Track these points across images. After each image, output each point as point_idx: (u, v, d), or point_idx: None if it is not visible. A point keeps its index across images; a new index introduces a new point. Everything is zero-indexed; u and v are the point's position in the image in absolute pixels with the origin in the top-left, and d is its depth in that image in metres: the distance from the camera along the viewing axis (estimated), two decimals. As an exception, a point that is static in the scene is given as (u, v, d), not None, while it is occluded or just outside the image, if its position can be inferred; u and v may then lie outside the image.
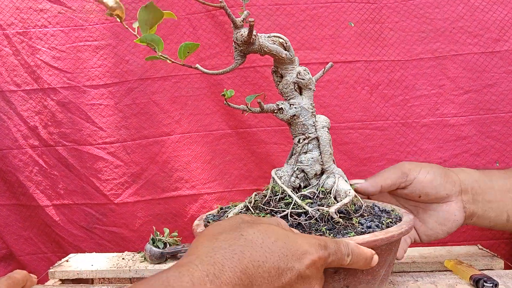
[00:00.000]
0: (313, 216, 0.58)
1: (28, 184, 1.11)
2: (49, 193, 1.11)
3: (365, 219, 0.61)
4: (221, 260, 0.44)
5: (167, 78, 1.08)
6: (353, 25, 1.05)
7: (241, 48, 0.65)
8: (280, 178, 0.67)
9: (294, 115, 0.67)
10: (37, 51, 1.08)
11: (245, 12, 0.61)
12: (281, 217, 0.60)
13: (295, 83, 0.67)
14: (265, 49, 0.64)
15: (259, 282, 0.44)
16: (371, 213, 0.64)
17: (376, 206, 0.68)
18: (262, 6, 1.06)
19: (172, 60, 0.61)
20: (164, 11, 0.58)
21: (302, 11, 1.06)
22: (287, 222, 0.57)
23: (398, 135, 1.05)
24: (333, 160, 0.68)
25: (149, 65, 1.08)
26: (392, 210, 0.67)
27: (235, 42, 0.65)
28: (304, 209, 0.60)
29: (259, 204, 0.64)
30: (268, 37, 0.65)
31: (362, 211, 0.62)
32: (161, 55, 0.60)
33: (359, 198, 0.65)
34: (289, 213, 0.60)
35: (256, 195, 0.68)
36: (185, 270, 0.42)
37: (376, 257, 0.55)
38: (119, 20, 0.58)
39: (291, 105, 0.67)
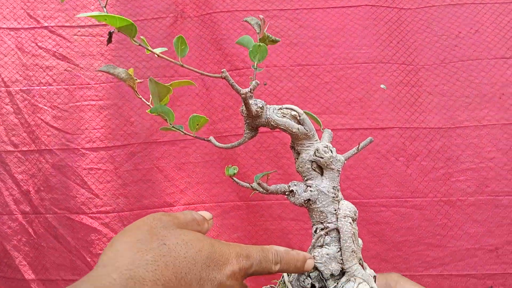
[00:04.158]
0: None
1: (15, 254, 1.06)
2: (35, 265, 1.06)
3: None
4: (143, 273, 0.44)
5: (174, 142, 1.04)
6: (385, 88, 1.00)
7: (248, 121, 0.60)
8: (290, 274, 0.59)
9: (309, 199, 0.60)
10: (38, 110, 1.06)
11: (253, 83, 0.56)
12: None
13: (312, 161, 0.61)
14: (272, 123, 0.59)
15: None
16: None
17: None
18: (283, 67, 1.03)
19: (185, 132, 0.62)
20: (182, 81, 0.62)
21: (327, 72, 1.02)
22: None
23: (439, 216, 0.96)
24: (360, 259, 0.60)
25: (155, 128, 1.05)
26: None
27: (241, 115, 0.61)
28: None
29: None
30: (279, 109, 0.60)
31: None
32: (173, 126, 0.62)
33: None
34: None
35: None
36: (101, 283, 0.42)
37: (310, 262, 0.56)
38: (132, 88, 0.60)
39: (307, 187, 0.60)
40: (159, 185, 1.03)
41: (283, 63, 1.03)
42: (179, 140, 1.04)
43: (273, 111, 0.59)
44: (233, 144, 0.63)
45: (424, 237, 0.96)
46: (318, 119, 0.67)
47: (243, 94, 0.55)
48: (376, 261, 0.97)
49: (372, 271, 0.61)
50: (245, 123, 0.62)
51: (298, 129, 0.60)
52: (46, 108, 1.07)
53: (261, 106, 0.58)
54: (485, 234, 0.95)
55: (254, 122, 0.60)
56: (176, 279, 0.45)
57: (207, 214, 0.58)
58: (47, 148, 1.05)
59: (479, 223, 0.95)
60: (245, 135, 0.62)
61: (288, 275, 0.61)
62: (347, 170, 0.98)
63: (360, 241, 0.61)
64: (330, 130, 0.67)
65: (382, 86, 1.00)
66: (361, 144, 0.64)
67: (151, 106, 0.64)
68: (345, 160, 0.63)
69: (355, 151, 0.64)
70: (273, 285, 0.64)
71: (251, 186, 0.61)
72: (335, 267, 0.58)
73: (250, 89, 0.56)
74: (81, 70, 1.07)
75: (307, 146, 0.61)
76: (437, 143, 0.97)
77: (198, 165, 1.04)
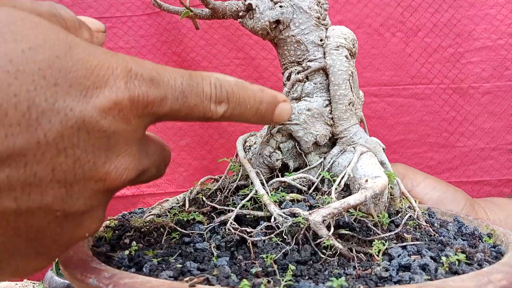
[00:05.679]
0: (278, 228, 0.30)
1: None
2: None
3: (403, 247, 0.30)
4: None
5: (97, 20, 0.79)
6: None
7: None
8: (249, 148, 0.37)
9: (278, 21, 0.36)
10: None
11: None
12: (220, 222, 0.31)
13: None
14: None
15: None
16: (425, 235, 0.33)
17: (446, 221, 0.37)
18: None
19: None
20: None
21: None
22: (224, 236, 0.32)
23: (446, 107, 0.79)
24: (361, 119, 0.38)
25: (71, 0, 0.79)
26: (489, 235, 0.36)
27: None
28: (268, 211, 0.31)
29: (201, 196, 0.35)
30: None
31: (402, 227, 0.32)
32: None
33: (412, 200, 0.35)
34: (232, 217, 0.31)
35: (214, 181, 0.41)
36: None
37: (284, 106, 0.32)
38: None
39: (275, 4, 0.37)
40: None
41: None
42: (104, 17, 0.80)
43: None
44: None
45: (427, 135, 0.80)
46: None
47: None
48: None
49: (372, 138, 0.39)
50: None
51: None
52: None
53: None
54: (502, 130, 0.79)
55: None
56: None
57: (93, 21, 0.33)
58: None
59: (496, 116, 0.80)
60: None
61: (245, 151, 0.38)
62: (329, 51, 0.76)
63: (360, 92, 0.39)
64: None
65: None
66: None
67: None
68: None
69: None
70: (220, 175, 0.41)
71: (182, 3, 0.37)
72: (321, 131, 0.36)
73: None
74: None
75: None
76: (445, 15, 0.79)
77: (131, 52, 0.81)
